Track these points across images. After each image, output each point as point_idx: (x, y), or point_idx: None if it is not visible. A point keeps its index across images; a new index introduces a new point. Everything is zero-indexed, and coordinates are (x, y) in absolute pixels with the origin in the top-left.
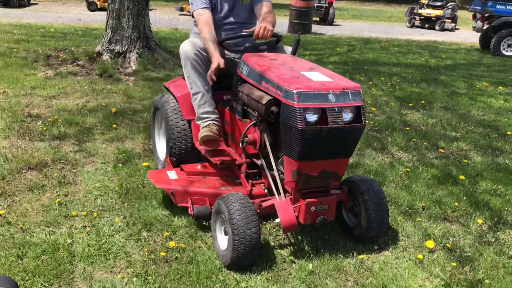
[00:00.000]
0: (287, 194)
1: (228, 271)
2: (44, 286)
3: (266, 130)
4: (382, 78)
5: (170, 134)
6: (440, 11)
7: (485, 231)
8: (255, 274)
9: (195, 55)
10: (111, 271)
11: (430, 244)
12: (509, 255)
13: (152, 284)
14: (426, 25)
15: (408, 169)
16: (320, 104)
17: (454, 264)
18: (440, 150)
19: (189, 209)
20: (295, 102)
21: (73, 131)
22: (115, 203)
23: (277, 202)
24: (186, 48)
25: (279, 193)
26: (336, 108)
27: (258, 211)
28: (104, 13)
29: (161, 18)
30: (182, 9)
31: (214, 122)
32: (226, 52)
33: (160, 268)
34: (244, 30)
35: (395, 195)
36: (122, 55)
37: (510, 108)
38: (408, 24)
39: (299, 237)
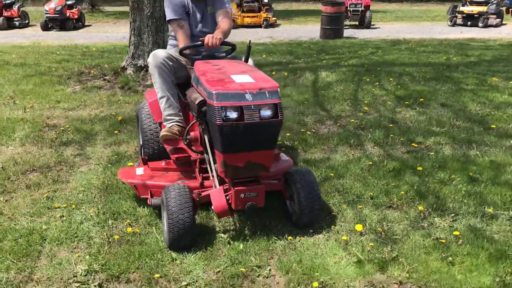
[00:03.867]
0: (225, 184)
1: (169, 251)
2: (13, 261)
3: (206, 128)
4: (391, 78)
5: (144, 136)
6: (484, 7)
7: (422, 217)
8: (191, 253)
9: (161, 63)
10: (72, 251)
11: (359, 227)
12: (434, 238)
13: (100, 260)
14: (469, 23)
15: (371, 163)
16: (237, 102)
17: (372, 244)
18: (413, 144)
19: (148, 200)
20: (214, 102)
21: (79, 138)
22: (94, 197)
23: (212, 191)
24: (153, 59)
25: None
26: (252, 106)
27: (197, 199)
28: None
29: None
30: None
31: (177, 123)
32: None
33: (112, 248)
34: (200, 39)
35: (349, 186)
36: (144, 69)
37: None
38: (449, 22)
39: (243, 223)
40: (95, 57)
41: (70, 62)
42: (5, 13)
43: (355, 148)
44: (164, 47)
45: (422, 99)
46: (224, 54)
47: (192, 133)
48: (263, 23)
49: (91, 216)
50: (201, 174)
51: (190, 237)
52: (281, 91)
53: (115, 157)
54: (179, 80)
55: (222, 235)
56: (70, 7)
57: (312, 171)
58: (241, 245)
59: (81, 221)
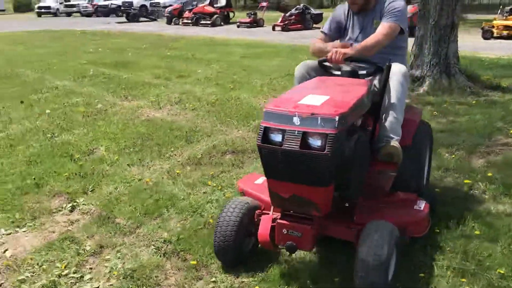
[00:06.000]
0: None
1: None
2: (141, 215)
3: None
4: None
5: None
6: None
7: None
8: (238, 267)
9: (302, 74)
10: (179, 221)
11: None
12: None
13: (181, 235)
14: None
15: None
16: (281, 125)
17: None
18: None
19: None
20: (262, 120)
21: None
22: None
23: (263, 216)
24: (298, 68)
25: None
26: (296, 132)
27: (256, 220)
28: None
29: None
30: None
31: None
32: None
33: (200, 230)
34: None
35: (486, 253)
36: (420, 80)
37: None
38: None
39: (316, 261)
40: None
41: None
42: None
43: None
44: (447, 59)
45: None
46: (365, 72)
47: None
48: None
49: (221, 199)
50: None
51: (232, 256)
52: (494, 122)
53: None
54: None
55: (281, 265)
56: None
57: (392, 229)
58: (282, 281)
59: (210, 201)
